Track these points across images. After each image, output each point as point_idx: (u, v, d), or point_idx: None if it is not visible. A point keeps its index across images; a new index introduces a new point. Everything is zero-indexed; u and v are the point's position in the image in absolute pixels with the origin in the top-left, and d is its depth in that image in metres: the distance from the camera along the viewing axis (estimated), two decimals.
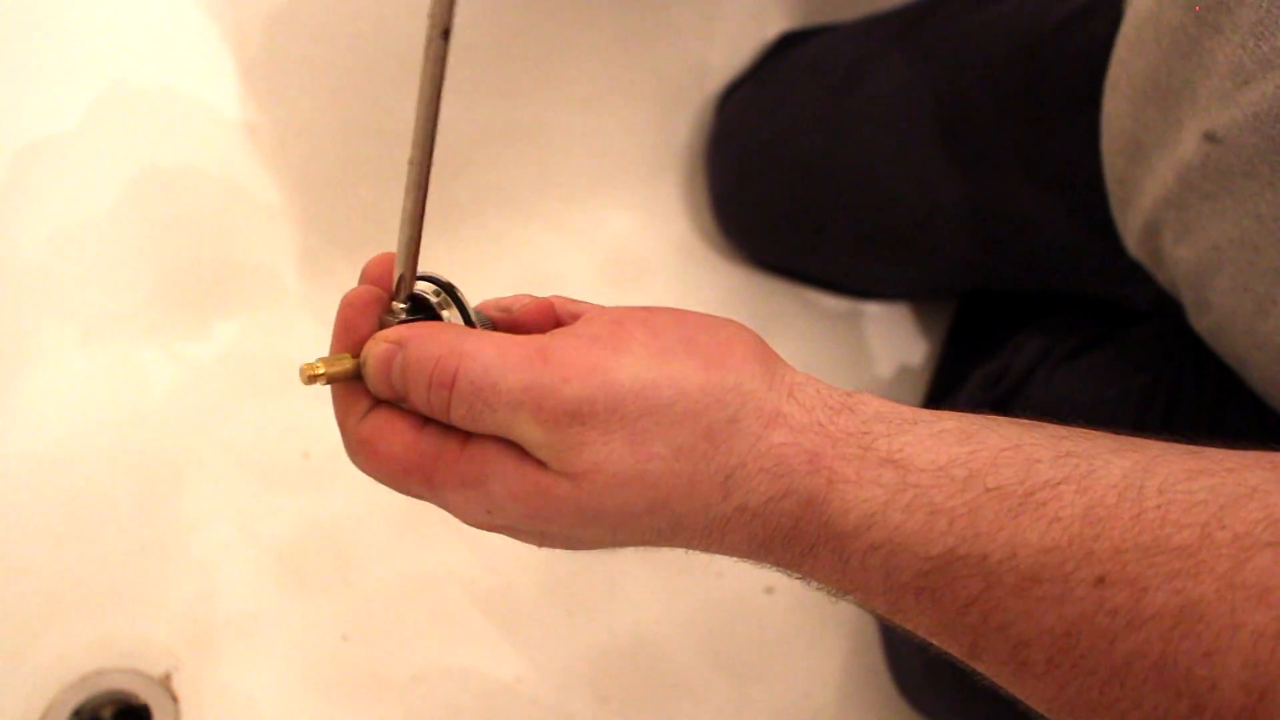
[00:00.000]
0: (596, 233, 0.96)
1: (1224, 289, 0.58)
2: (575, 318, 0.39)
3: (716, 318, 0.38)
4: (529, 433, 0.35)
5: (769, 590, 0.83)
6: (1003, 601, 0.34)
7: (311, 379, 0.38)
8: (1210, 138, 0.55)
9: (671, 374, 0.35)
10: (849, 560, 0.36)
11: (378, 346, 0.38)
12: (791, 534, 0.36)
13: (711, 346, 0.37)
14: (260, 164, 0.88)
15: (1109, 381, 0.68)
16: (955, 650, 0.36)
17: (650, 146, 0.99)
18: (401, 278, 0.39)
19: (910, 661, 0.74)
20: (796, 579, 0.38)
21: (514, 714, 0.76)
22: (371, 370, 0.38)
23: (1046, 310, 0.82)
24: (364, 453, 0.39)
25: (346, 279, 0.91)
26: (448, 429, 0.37)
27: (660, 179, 0.97)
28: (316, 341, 0.90)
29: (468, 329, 0.38)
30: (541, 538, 0.39)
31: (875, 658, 0.78)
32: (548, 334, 0.37)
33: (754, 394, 0.36)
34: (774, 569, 0.38)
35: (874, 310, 0.95)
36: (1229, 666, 0.30)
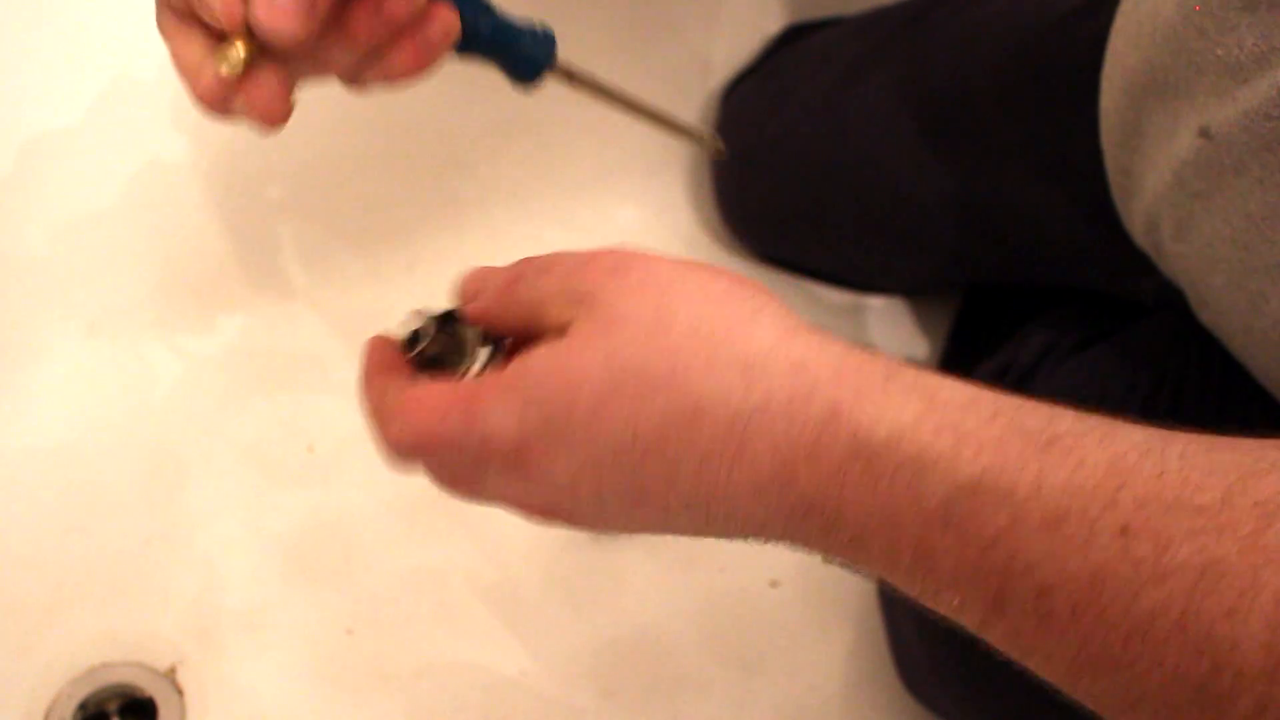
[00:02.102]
0: (601, 226, 0.96)
1: (1219, 285, 0.58)
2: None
3: None
4: (577, 284, 0.39)
5: (774, 584, 0.83)
6: (1028, 540, 0.33)
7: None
8: (1204, 134, 0.55)
9: (704, 273, 0.39)
10: (879, 480, 0.35)
11: (476, 271, 0.44)
12: (816, 447, 0.36)
13: (738, 275, 0.40)
14: (265, 158, 0.88)
15: (1115, 375, 0.68)
16: (978, 604, 0.35)
17: (654, 140, 0.98)
18: None
19: (915, 655, 0.74)
20: (816, 539, 0.37)
21: (519, 708, 0.76)
22: (467, 277, 0.44)
23: (1051, 304, 0.82)
24: (398, 416, 0.41)
25: (351, 273, 0.91)
26: (484, 377, 0.41)
27: (664, 173, 0.97)
28: (321, 335, 0.90)
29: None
30: (564, 427, 0.37)
31: (880, 651, 0.78)
32: None
33: (776, 301, 0.39)
34: (801, 522, 0.37)
35: (878, 304, 0.95)
36: (1251, 627, 0.30)
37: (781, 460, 0.36)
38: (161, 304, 0.85)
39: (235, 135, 0.87)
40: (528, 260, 0.42)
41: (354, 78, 0.48)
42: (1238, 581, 0.31)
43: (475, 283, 0.43)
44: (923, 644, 0.72)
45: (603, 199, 0.95)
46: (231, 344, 0.86)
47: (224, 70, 0.42)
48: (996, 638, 0.36)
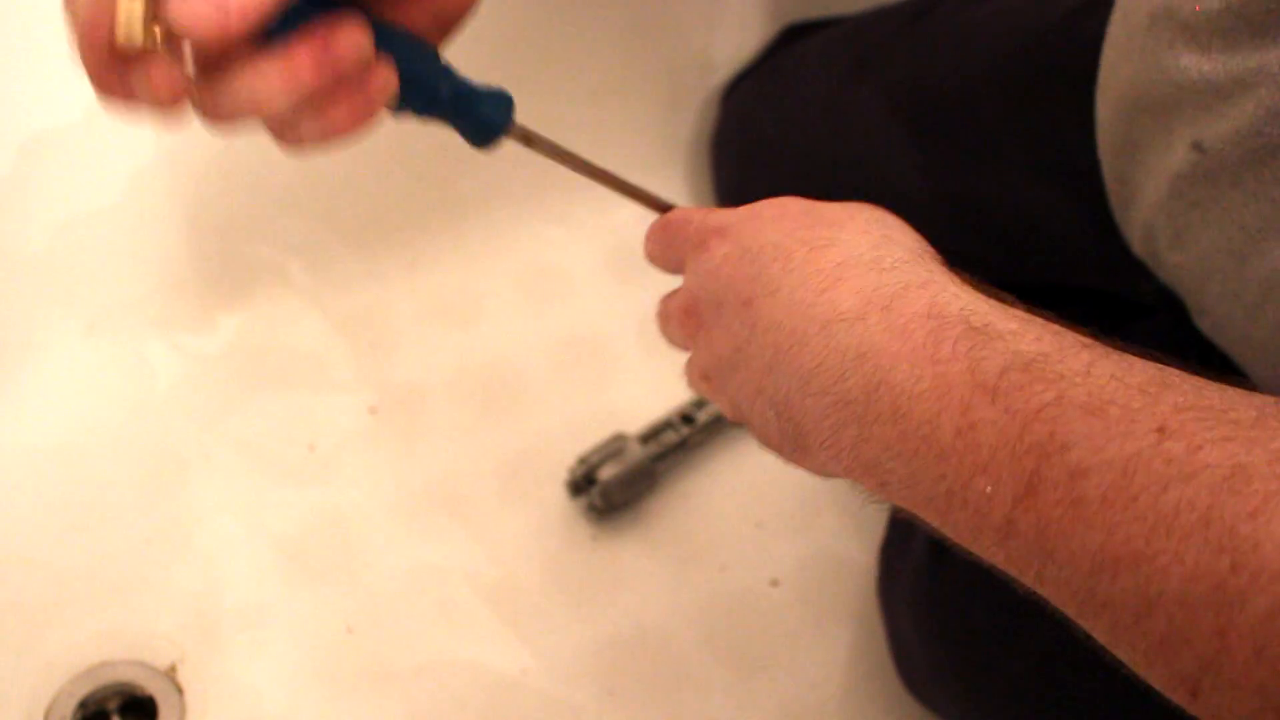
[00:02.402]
0: (601, 225, 0.96)
1: (1216, 295, 0.58)
2: None
3: None
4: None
5: (774, 583, 0.83)
6: (1071, 418, 0.35)
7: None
8: (1198, 147, 0.55)
9: None
10: (942, 343, 0.38)
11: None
12: (894, 299, 0.40)
13: None
14: (265, 156, 0.88)
15: None
16: (1009, 488, 0.36)
17: (655, 139, 0.99)
18: None
19: (915, 655, 0.74)
20: (858, 400, 0.40)
21: (519, 706, 0.76)
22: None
23: (1050, 304, 0.82)
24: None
25: (351, 272, 0.91)
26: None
27: (665, 171, 0.97)
28: (321, 334, 0.90)
29: None
30: (749, 220, 0.48)
31: (880, 650, 0.79)
32: None
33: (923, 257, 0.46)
34: (854, 366, 0.40)
35: None
36: (1273, 529, 0.31)
37: (863, 300, 0.41)
38: (162, 302, 0.85)
39: (235, 135, 0.87)
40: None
41: (287, 129, 0.42)
42: (1263, 486, 0.31)
43: None
44: (922, 643, 0.72)
45: (603, 198, 0.94)
46: (232, 342, 0.86)
47: (119, 36, 0.34)
48: (1021, 533, 0.36)
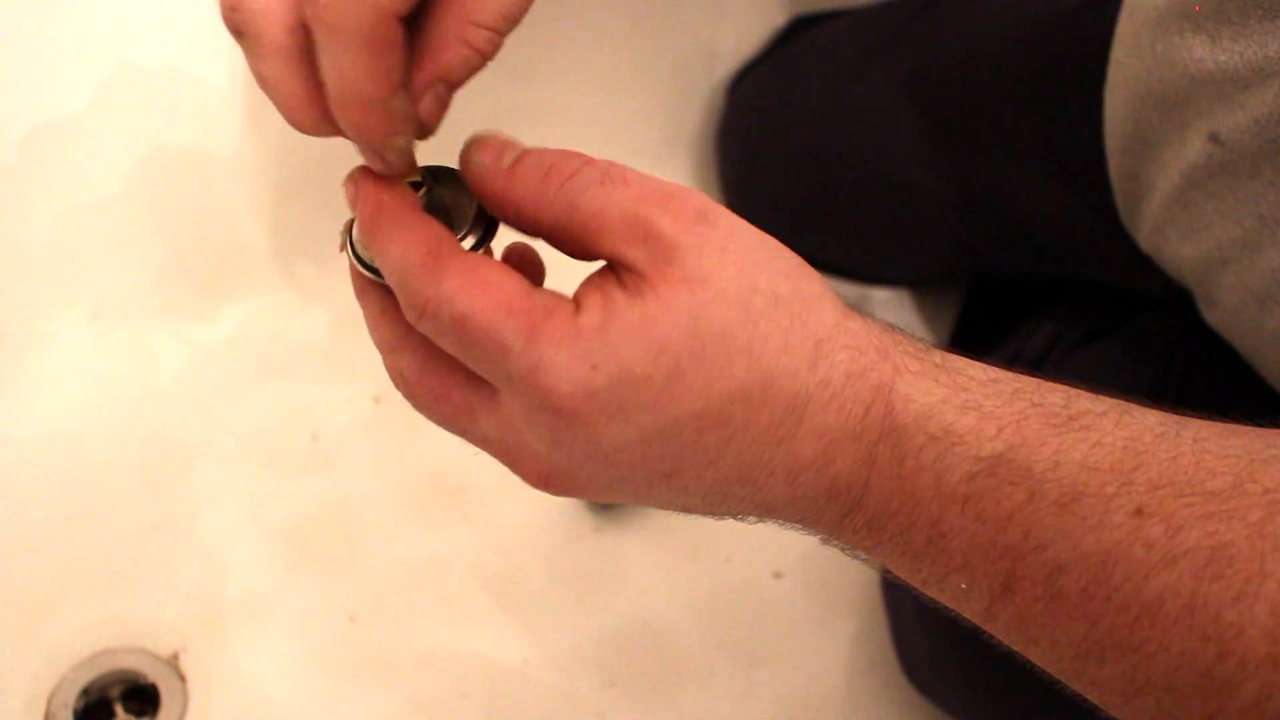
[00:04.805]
0: None
1: (1229, 286, 0.58)
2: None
3: None
4: (654, 218, 0.35)
5: (777, 575, 0.83)
6: (1044, 517, 0.33)
7: (402, 151, 0.37)
8: (1215, 139, 0.55)
9: (773, 241, 0.38)
10: (905, 459, 0.35)
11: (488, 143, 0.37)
12: (860, 427, 0.36)
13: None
14: (268, 146, 0.88)
15: (1120, 369, 0.68)
16: (986, 587, 0.35)
17: (661, 130, 0.99)
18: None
19: (918, 646, 0.74)
20: (830, 523, 0.37)
21: (521, 697, 0.76)
22: (481, 138, 0.37)
23: (1058, 297, 0.81)
24: (465, 276, 0.34)
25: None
26: (558, 296, 0.35)
27: (671, 163, 0.97)
28: (325, 324, 0.90)
29: None
30: (641, 387, 0.34)
31: (882, 643, 0.78)
32: None
33: (830, 290, 0.38)
34: (825, 505, 0.37)
35: (884, 296, 0.95)
36: (1256, 613, 0.30)
37: (828, 442, 0.36)
38: (166, 291, 0.85)
39: (238, 125, 0.87)
40: (577, 155, 0.37)
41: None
42: (1245, 567, 0.31)
43: (492, 153, 0.37)
44: (925, 635, 0.72)
45: None
46: (235, 332, 0.86)
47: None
48: (1001, 624, 0.36)
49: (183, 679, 0.74)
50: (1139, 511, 0.32)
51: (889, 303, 0.95)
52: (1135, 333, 0.70)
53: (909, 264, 0.90)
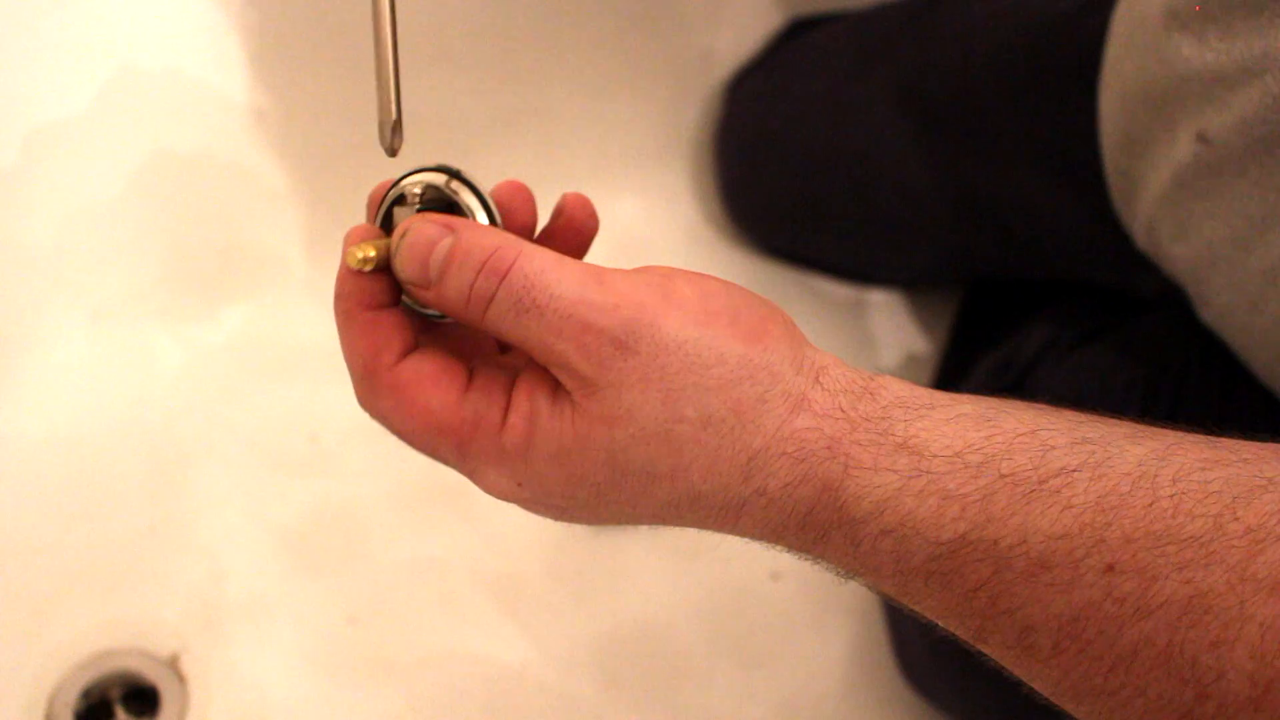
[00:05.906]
0: (603, 218, 0.95)
1: (1219, 286, 0.58)
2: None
3: (755, 294, 0.38)
4: (569, 355, 0.34)
5: (775, 576, 0.83)
6: (1011, 587, 0.33)
7: (364, 261, 0.37)
8: (1202, 138, 0.55)
9: (715, 338, 0.35)
10: (860, 545, 0.36)
11: (426, 226, 0.36)
12: (806, 520, 0.36)
13: (753, 321, 0.36)
14: (268, 148, 0.88)
15: (1116, 370, 0.68)
16: (962, 633, 0.36)
17: (658, 132, 0.99)
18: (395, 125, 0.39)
19: (916, 647, 0.74)
20: (806, 560, 0.38)
21: (520, 698, 0.76)
22: (410, 245, 0.36)
23: (1054, 298, 0.82)
24: (395, 399, 0.37)
25: None
26: (491, 399, 0.36)
27: (668, 165, 0.97)
28: (324, 325, 0.90)
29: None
30: (565, 504, 0.37)
31: (881, 643, 0.79)
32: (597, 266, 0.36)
33: (783, 376, 0.36)
34: (785, 551, 0.38)
35: (880, 297, 0.95)
36: (1236, 657, 0.30)
37: (772, 529, 0.37)
38: (166, 293, 0.85)
39: (238, 127, 0.87)
40: (497, 267, 0.35)
41: None
42: (1224, 613, 0.31)
43: (416, 267, 0.37)
44: (923, 637, 0.72)
45: (606, 190, 0.95)
46: (235, 334, 0.86)
47: (353, 262, 0.38)
48: (983, 653, 0.36)
49: (183, 680, 0.74)
50: (1110, 569, 0.32)
51: (886, 305, 0.95)
52: (1131, 333, 0.70)
53: (906, 265, 0.90)
